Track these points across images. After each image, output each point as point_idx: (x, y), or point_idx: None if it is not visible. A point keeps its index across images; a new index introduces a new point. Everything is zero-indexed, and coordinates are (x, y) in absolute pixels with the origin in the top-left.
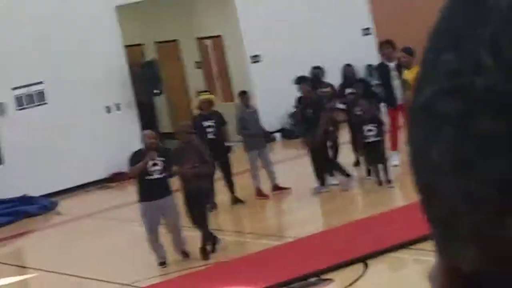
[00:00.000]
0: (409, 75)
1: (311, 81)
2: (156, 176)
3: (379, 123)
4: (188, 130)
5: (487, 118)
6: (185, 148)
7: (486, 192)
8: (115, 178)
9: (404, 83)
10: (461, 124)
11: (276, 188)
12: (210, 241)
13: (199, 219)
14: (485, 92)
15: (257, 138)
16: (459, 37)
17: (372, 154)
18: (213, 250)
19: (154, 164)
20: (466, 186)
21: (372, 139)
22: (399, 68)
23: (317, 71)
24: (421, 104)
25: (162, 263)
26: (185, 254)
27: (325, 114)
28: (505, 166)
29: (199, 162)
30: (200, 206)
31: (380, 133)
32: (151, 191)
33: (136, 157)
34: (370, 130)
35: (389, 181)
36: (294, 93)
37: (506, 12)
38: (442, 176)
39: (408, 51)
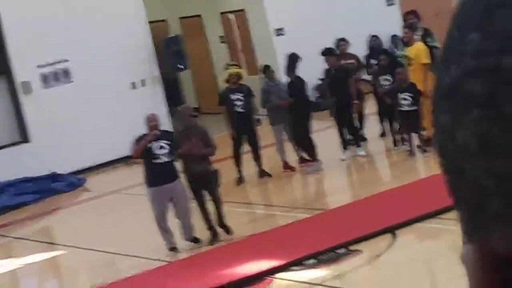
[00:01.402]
0: (410, 51)
1: (336, 53)
2: (164, 159)
3: (415, 93)
4: (190, 113)
5: None
6: (188, 131)
7: None
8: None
9: (405, 58)
10: (489, 104)
11: (303, 160)
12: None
13: (214, 200)
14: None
15: (281, 112)
16: (485, 16)
17: (407, 123)
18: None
19: (161, 148)
20: (493, 166)
21: (406, 108)
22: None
23: (342, 42)
24: (447, 85)
25: (173, 249)
26: (196, 240)
27: (350, 85)
28: None
29: (204, 145)
30: (208, 188)
31: (415, 102)
32: (159, 175)
33: (140, 140)
34: (405, 99)
35: (424, 150)
36: (319, 65)
37: None
38: (469, 157)
39: (410, 26)
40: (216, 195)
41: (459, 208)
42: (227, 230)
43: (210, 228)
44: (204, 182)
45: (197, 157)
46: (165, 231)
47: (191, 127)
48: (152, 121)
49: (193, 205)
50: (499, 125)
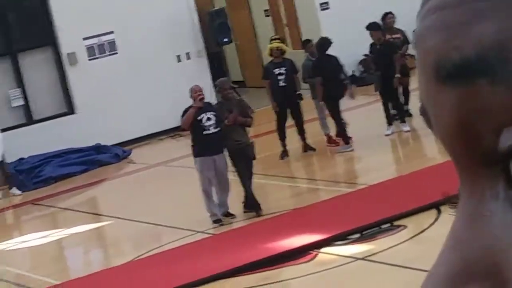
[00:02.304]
0: None
1: (382, 27)
2: (212, 130)
3: None
4: (228, 86)
5: None
6: (227, 103)
7: None
8: None
9: None
10: None
11: (331, 140)
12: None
13: (246, 173)
14: None
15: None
16: None
17: None
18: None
19: (208, 119)
20: None
21: None
22: None
23: (390, 15)
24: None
25: (218, 221)
26: (230, 215)
27: (396, 60)
28: None
29: (242, 117)
30: (245, 160)
31: None
32: (208, 146)
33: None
34: None
35: None
36: (364, 40)
37: None
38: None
39: None
40: (251, 168)
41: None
42: (251, 208)
43: (252, 198)
44: (243, 154)
45: (237, 129)
46: (211, 202)
47: (229, 99)
48: (196, 92)
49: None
50: None
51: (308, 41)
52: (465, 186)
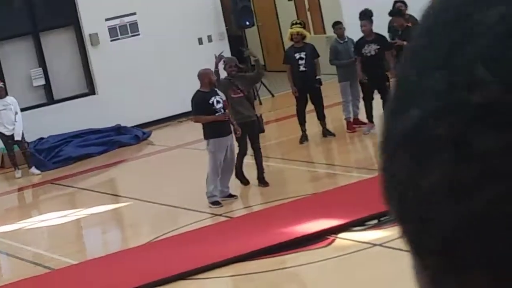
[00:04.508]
0: None
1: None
2: (221, 112)
3: None
4: (232, 64)
5: (487, 135)
6: (232, 79)
7: (496, 213)
8: None
9: None
10: (460, 144)
11: (357, 122)
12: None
13: (254, 150)
14: (483, 107)
15: (349, 69)
16: (446, 55)
17: None
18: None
19: (217, 102)
20: (467, 209)
21: None
22: None
23: (398, 5)
24: (405, 131)
25: (217, 203)
26: (231, 196)
27: None
28: None
29: (245, 90)
30: (251, 135)
31: None
32: (220, 127)
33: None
34: None
35: None
36: (386, 25)
37: (495, 27)
38: (437, 203)
39: None
40: (257, 143)
41: (422, 258)
42: (265, 184)
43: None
44: (248, 128)
45: (243, 103)
46: (216, 183)
47: (233, 76)
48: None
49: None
50: (472, 165)
51: (336, 22)
52: None
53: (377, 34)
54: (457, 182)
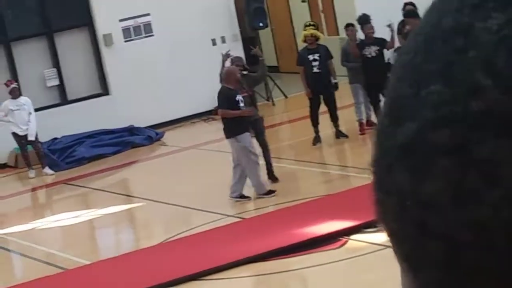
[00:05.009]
0: None
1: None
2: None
3: None
4: (239, 63)
5: (488, 141)
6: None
7: (500, 219)
8: None
9: None
10: (460, 152)
11: (370, 124)
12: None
13: (262, 146)
14: (483, 114)
15: (359, 71)
16: (445, 65)
17: None
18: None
19: (241, 101)
20: (469, 216)
21: None
22: None
23: (408, 6)
24: (401, 143)
25: (271, 192)
26: (244, 197)
27: None
28: None
29: (249, 89)
30: (255, 134)
31: None
32: (246, 124)
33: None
34: None
35: None
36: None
37: (496, 34)
38: (440, 212)
39: None
40: (263, 141)
41: (422, 274)
42: (274, 179)
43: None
44: (253, 126)
45: (247, 102)
46: (261, 172)
47: (240, 75)
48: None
49: None
50: (473, 172)
51: (350, 25)
52: None
53: (376, 37)
54: (460, 189)
